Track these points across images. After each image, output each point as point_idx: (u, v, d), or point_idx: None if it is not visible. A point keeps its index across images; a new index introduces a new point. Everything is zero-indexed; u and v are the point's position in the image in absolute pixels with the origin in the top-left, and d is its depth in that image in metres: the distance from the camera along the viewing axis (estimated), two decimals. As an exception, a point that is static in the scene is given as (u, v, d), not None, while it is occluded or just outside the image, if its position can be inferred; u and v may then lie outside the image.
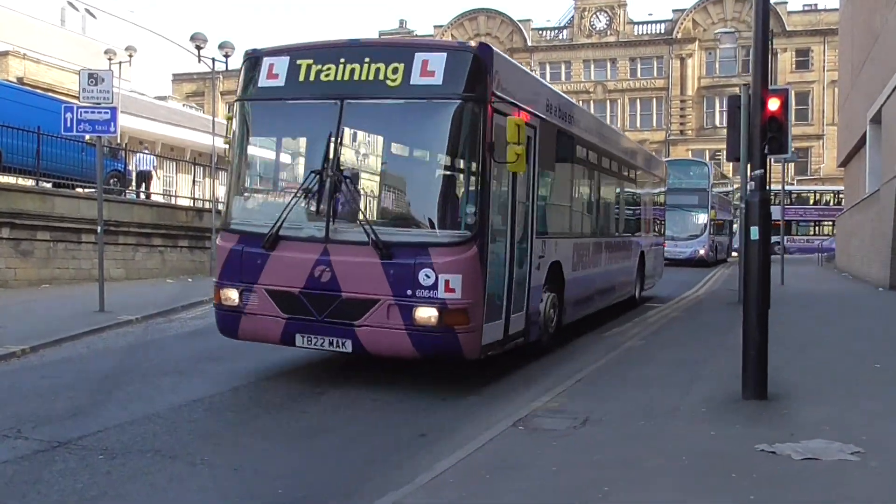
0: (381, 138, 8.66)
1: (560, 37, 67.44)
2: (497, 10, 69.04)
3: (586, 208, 12.71)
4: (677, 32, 63.44)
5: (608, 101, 63.97)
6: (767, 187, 7.44)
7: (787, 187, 47.45)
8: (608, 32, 65.30)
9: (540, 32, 68.11)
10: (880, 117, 20.17)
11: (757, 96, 7.32)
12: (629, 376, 8.40)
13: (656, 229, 18.97)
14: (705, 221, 33.37)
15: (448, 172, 8.16)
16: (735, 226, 45.46)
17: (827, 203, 51.73)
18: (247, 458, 5.92)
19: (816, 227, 52.06)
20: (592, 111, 55.74)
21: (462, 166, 8.02)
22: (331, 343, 7.77)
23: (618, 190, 14.71)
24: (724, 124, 57.18)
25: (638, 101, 63.69)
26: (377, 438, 6.48)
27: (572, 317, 11.39)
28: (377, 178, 8.50)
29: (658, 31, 64.86)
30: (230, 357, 9.73)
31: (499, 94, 7.96)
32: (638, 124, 63.10)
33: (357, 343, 7.67)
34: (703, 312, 15.15)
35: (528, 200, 9.12)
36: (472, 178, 7.77)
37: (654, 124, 63.59)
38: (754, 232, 7.05)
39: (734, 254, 42.63)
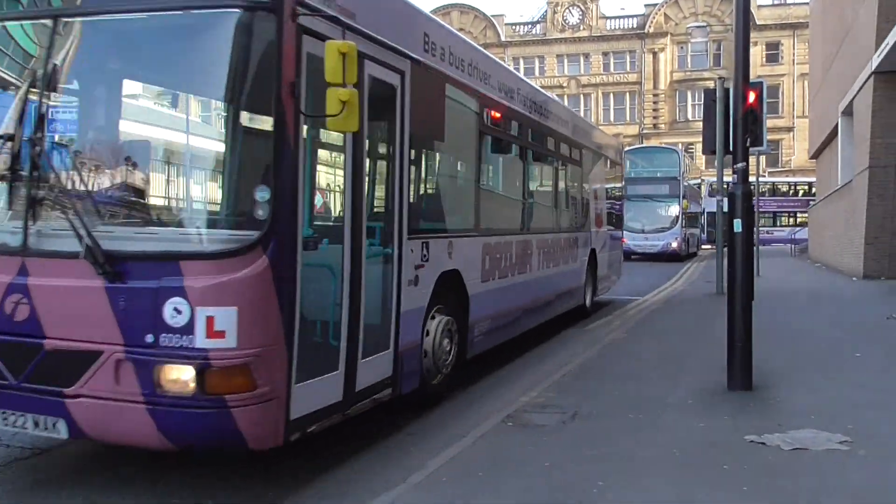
0: (115, 78, 5.44)
1: (533, 32, 67.63)
2: (470, 5, 69.09)
3: (507, 195, 9.94)
4: (649, 27, 63.83)
5: (582, 96, 64.20)
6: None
7: (713, 178, 47.94)
8: (581, 27, 65.56)
9: (513, 27, 68.26)
10: (852, 109, 20.42)
11: (738, 90, 7.37)
12: (614, 370, 8.43)
13: (613, 222, 15.82)
14: (677, 213, 32.28)
15: (221, 133, 4.96)
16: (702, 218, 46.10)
17: (785, 194, 52.28)
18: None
19: (775, 219, 52.58)
20: (567, 105, 55.92)
21: (247, 122, 4.92)
22: (36, 423, 4.72)
23: (558, 173, 11.78)
24: (697, 118, 58.53)
25: (611, 95, 64.00)
26: (363, 438, 6.45)
27: (484, 346, 8.53)
28: (106, 146, 5.37)
29: (630, 26, 65.25)
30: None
31: (314, 4, 4.97)
32: (612, 118, 63.40)
33: (73, 424, 4.64)
34: (683, 304, 15.26)
35: (394, 181, 6.25)
36: (265, 142, 4.73)
37: (628, 118, 63.95)
38: (738, 224, 7.11)
39: (705, 246, 43.03)
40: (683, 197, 32.41)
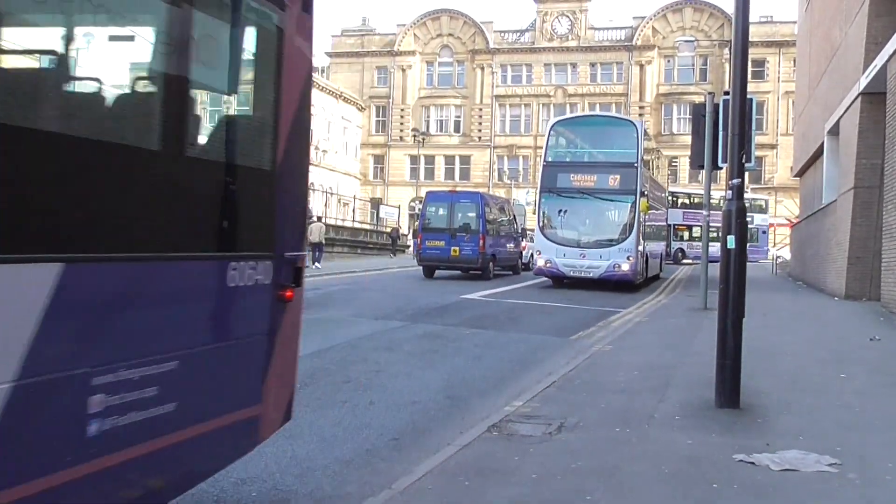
0: None
1: (522, 40, 67.87)
2: (460, 10, 69.26)
3: None
4: (637, 39, 64.26)
5: (568, 105, 64.37)
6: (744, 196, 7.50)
7: (681, 190, 47.58)
8: (569, 37, 65.85)
9: (502, 34, 68.42)
10: (838, 129, 20.55)
11: (736, 105, 7.34)
12: (600, 381, 8.38)
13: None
14: (631, 218, 21.58)
15: None
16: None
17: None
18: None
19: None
20: (553, 114, 56.18)
21: None
22: None
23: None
24: (682, 131, 58.91)
25: (598, 105, 64.25)
26: (348, 442, 6.36)
27: None
28: None
29: (618, 38, 65.67)
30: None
31: None
32: (597, 129, 63.53)
33: None
34: (668, 318, 15.25)
35: None
36: None
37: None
38: (731, 241, 7.08)
39: (688, 261, 42.99)
40: (643, 194, 21.66)
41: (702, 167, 16.09)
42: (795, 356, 10.31)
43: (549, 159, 23.10)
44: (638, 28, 64.56)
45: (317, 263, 27.84)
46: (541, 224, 22.59)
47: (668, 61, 63.74)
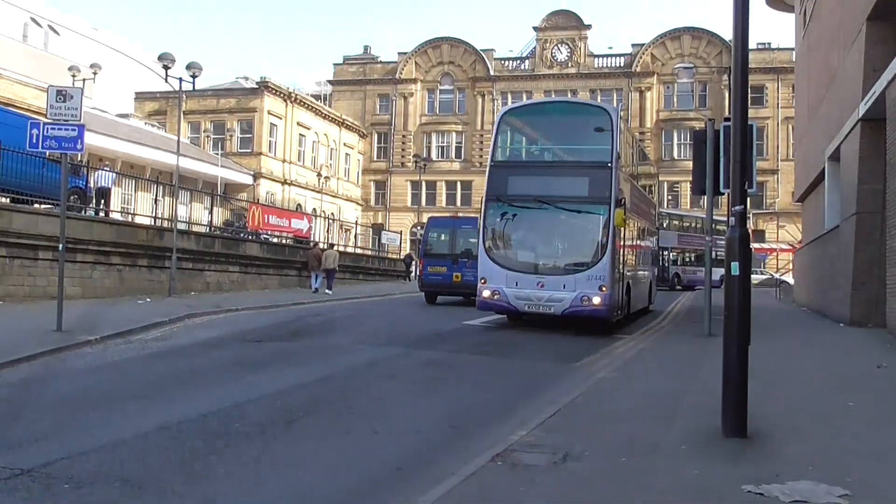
0: None
1: (522, 67, 68.33)
2: (461, 39, 69.78)
3: None
4: (636, 66, 64.64)
5: (569, 131, 64.34)
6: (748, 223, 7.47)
7: (674, 212, 46.47)
8: (569, 64, 66.28)
9: (502, 62, 68.92)
10: (839, 155, 20.56)
11: (738, 132, 7.31)
12: (605, 409, 8.31)
13: None
14: (605, 235, 16.27)
15: None
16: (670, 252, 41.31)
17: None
18: (218, 489, 5.71)
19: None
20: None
21: None
22: None
23: None
24: (682, 156, 59.10)
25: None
26: (352, 471, 6.30)
27: None
28: None
29: (618, 65, 66.10)
30: (195, 380, 9.47)
31: None
32: (598, 154, 63.64)
33: None
34: (671, 344, 15.17)
35: None
36: None
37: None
38: (735, 268, 7.04)
39: (684, 288, 42.45)
40: (620, 203, 16.38)
41: (704, 193, 16.06)
42: (802, 383, 10.23)
43: (499, 158, 17.80)
44: (637, 55, 64.97)
45: (328, 290, 27.82)
46: (486, 243, 17.16)
47: (668, 87, 64.09)
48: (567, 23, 66.98)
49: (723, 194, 14.71)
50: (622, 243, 17.41)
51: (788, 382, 10.16)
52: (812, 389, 9.81)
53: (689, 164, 17.50)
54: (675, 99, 64.01)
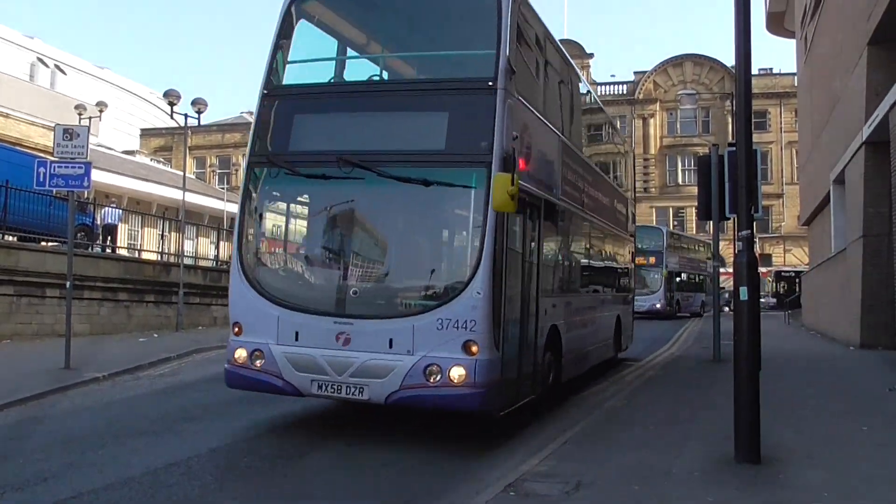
0: None
1: (525, 95, 68.58)
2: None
3: None
4: (639, 93, 64.92)
5: (572, 159, 64.56)
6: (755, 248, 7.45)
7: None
8: (572, 92, 66.49)
9: (505, 91, 69.18)
10: (844, 178, 20.58)
11: (743, 157, 7.33)
12: (617, 437, 8.25)
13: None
14: (481, 234, 7.69)
15: None
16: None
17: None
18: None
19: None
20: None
21: None
22: None
23: None
24: (687, 182, 59.12)
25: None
26: (363, 497, 6.28)
27: None
28: None
29: (620, 92, 66.33)
30: (204, 416, 9.44)
31: None
32: (602, 182, 63.82)
33: None
34: (679, 371, 15.08)
35: None
36: None
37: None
38: (743, 293, 7.01)
39: (685, 314, 41.89)
40: (512, 164, 7.46)
41: (709, 218, 16.06)
42: (814, 408, 10.15)
43: (279, 83, 9.19)
44: (639, 82, 65.28)
45: None
46: (241, 249, 8.80)
47: (671, 114, 64.30)
48: (570, 52, 67.12)
49: (729, 219, 14.73)
50: (531, 246, 9.21)
51: (801, 407, 10.08)
52: (824, 413, 9.73)
53: (694, 190, 17.52)
54: (678, 125, 64.21)
